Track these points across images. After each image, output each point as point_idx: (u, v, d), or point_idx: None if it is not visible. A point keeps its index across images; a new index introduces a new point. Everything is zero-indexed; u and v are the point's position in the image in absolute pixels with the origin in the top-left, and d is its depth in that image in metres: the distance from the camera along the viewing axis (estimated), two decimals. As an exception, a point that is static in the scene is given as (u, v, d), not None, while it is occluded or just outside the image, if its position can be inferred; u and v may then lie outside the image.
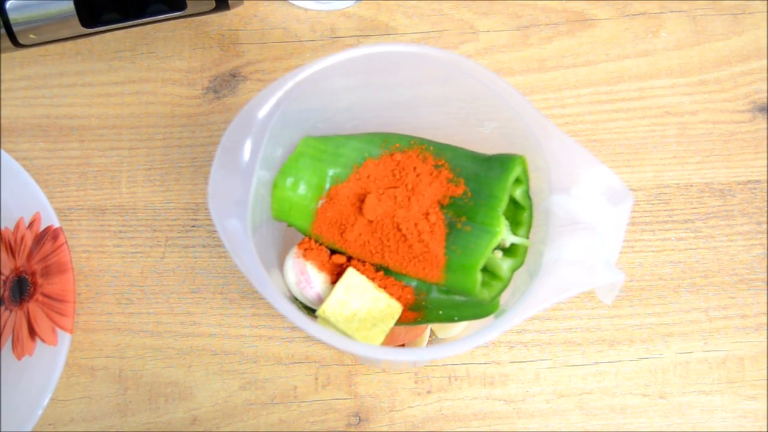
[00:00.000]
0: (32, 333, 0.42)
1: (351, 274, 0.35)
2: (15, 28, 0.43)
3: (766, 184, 0.46)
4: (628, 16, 0.49)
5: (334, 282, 0.35)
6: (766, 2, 0.49)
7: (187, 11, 0.45)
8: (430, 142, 0.36)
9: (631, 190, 0.45)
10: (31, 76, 0.48)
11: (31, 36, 0.44)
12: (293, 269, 0.36)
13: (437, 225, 0.34)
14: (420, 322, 0.35)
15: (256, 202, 0.33)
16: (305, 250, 0.36)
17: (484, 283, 0.34)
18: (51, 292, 0.42)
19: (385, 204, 0.35)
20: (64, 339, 0.41)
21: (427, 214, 0.34)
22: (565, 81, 0.48)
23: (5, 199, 0.44)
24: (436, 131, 0.37)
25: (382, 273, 0.35)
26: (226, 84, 0.48)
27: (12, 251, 0.44)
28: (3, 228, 0.44)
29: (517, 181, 0.35)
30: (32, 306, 0.42)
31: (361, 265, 0.35)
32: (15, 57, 0.48)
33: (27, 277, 0.43)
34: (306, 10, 0.49)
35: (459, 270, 0.33)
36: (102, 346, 0.44)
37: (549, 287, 0.30)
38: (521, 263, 0.35)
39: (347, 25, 0.49)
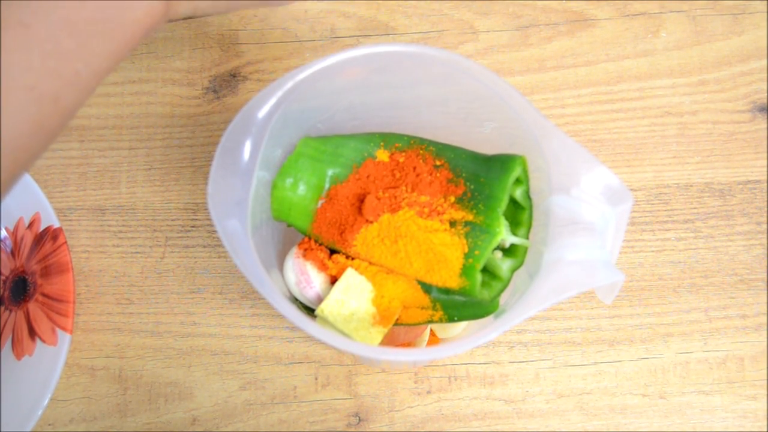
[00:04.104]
0: (32, 333, 0.42)
1: (350, 274, 0.35)
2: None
3: (766, 184, 0.46)
4: (628, 16, 0.49)
5: (333, 282, 0.35)
6: (766, 2, 0.49)
7: (187, 11, 0.45)
8: (430, 142, 0.36)
9: (631, 190, 0.45)
10: (31, 76, 0.48)
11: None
12: (293, 269, 0.36)
13: (437, 225, 0.34)
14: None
15: (256, 202, 0.33)
16: (305, 250, 0.36)
17: (484, 283, 0.34)
18: (51, 292, 0.42)
19: (384, 204, 0.35)
20: (64, 339, 0.41)
21: (427, 214, 0.34)
22: (565, 81, 0.47)
23: (5, 199, 0.44)
24: (436, 131, 0.37)
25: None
26: (226, 84, 0.48)
27: (12, 251, 0.44)
28: (3, 228, 0.44)
29: (517, 181, 0.35)
30: (32, 306, 0.42)
31: (361, 265, 0.35)
32: (15, 57, 0.48)
33: (27, 277, 0.43)
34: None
35: (459, 270, 0.33)
36: (102, 346, 0.44)
37: (549, 287, 0.30)
38: (521, 263, 0.35)
39: (347, 25, 0.49)
